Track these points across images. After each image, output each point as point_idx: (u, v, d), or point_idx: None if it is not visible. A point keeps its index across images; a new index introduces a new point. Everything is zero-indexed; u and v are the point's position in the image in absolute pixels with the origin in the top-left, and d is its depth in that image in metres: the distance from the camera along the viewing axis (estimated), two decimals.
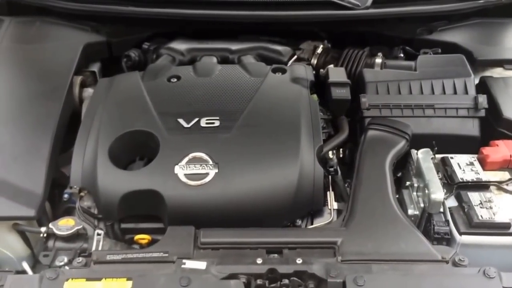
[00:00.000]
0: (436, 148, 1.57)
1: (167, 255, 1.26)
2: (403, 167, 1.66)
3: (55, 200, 1.58)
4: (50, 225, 1.36)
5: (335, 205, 1.52)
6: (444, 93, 1.75)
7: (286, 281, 1.22)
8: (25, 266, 1.38)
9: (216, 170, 1.42)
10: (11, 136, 1.57)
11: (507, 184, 1.50)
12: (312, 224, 1.50)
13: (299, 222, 1.48)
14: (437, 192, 1.41)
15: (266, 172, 1.45)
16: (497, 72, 1.93)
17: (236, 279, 1.21)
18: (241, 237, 1.33)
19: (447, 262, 1.25)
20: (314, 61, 2.01)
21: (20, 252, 1.44)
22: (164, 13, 1.97)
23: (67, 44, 1.93)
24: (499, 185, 1.50)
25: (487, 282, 1.18)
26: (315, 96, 1.74)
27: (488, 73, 1.92)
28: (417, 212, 1.49)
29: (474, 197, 1.44)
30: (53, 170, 1.53)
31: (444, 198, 1.44)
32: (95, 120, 1.59)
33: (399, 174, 1.68)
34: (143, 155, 1.54)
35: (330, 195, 1.53)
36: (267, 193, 1.42)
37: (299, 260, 1.25)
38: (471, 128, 1.69)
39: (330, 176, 1.57)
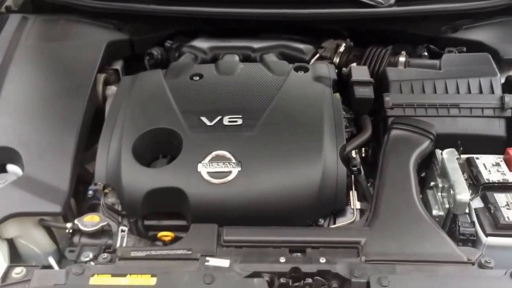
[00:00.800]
0: (461, 148, 1.55)
1: (190, 252, 1.26)
2: (427, 167, 1.64)
3: (79, 197, 1.60)
4: (76, 221, 1.37)
5: (357, 205, 1.51)
6: (470, 92, 1.72)
7: (309, 280, 1.22)
8: (51, 261, 1.41)
9: (239, 169, 1.43)
10: (37, 133, 1.59)
11: None
12: (334, 223, 1.49)
13: (321, 221, 1.48)
14: (463, 193, 1.39)
15: (289, 171, 1.45)
16: None
17: (259, 278, 1.21)
18: (264, 235, 1.33)
19: (473, 263, 1.24)
20: (336, 59, 1.99)
21: (46, 247, 1.47)
22: (186, 11, 1.97)
23: (91, 42, 1.95)
24: None
25: None
26: (337, 95, 1.73)
27: None
28: (441, 213, 1.47)
29: (501, 198, 1.42)
30: (78, 167, 1.55)
31: (470, 199, 1.42)
32: (118, 117, 1.60)
33: (423, 174, 1.66)
34: (166, 153, 1.56)
35: (353, 195, 1.52)
36: (290, 192, 1.42)
37: (322, 260, 1.24)
38: (497, 128, 1.66)
39: (353, 176, 1.56)
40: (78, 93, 1.72)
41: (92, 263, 1.25)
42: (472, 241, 1.37)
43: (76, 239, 1.37)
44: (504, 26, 2.06)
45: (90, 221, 1.36)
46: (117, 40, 2.01)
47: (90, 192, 1.54)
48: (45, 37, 1.99)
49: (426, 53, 1.98)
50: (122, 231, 1.38)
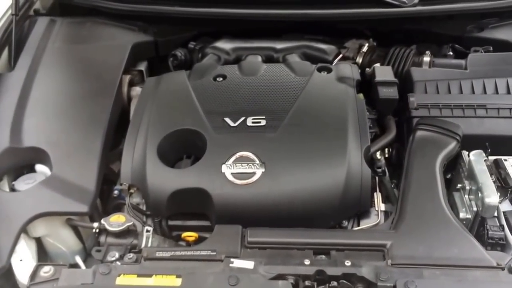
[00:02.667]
0: (489, 150, 1.52)
1: (215, 253, 1.27)
2: (453, 168, 1.62)
3: (104, 196, 1.62)
4: (102, 221, 1.39)
5: (382, 207, 1.50)
6: (497, 92, 1.69)
7: (334, 283, 1.21)
8: (78, 260, 1.43)
9: (263, 170, 1.43)
10: (65, 133, 1.62)
11: None
12: (358, 225, 1.48)
13: (345, 223, 1.47)
14: (492, 196, 1.36)
15: (313, 172, 1.44)
16: None
17: (284, 280, 1.20)
18: (288, 237, 1.33)
19: (502, 268, 1.21)
20: (359, 59, 1.98)
21: (73, 246, 1.49)
22: (209, 12, 1.98)
23: (116, 44, 1.98)
24: None
25: None
26: (361, 95, 1.72)
27: None
28: (469, 216, 1.45)
29: None
30: (104, 167, 1.57)
31: (499, 202, 1.39)
32: (143, 118, 1.62)
33: (449, 176, 1.63)
34: (190, 154, 1.57)
35: (378, 196, 1.51)
36: (314, 193, 1.42)
37: (347, 263, 1.23)
38: None
39: (377, 177, 1.55)
40: (104, 94, 1.75)
41: (118, 262, 1.27)
42: (501, 245, 1.34)
43: (102, 238, 1.39)
44: None
45: (116, 221, 1.38)
46: (142, 41, 2.04)
47: (116, 192, 1.57)
48: (72, 39, 2.02)
49: (451, 53, 1.95)
50: (147, 231, 1.40)
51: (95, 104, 1.70)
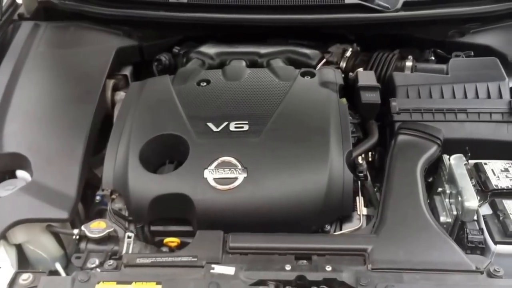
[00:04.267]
0: (469, 154, 1.54)
1: (196, 259, 1.27)
2: (434, 172, 1.63)
3: (88, 201, 1.62)
4: (83, 228, 1.38)
5: (364, 211, 1.50)
6: (477, 97, 1.71)
7: None
8: (58, 267, 1.42)
9: (245, 175, 1.43)
10: (46, 139, 1.61)
11: None
12: (341, 229, 1.48)
13: (327, 227, 1.47)
14: (471, 200, 1.38)
15: (295, 177, 1.44)
16: None
17: (265, 286, 1.20)
18: (270, 242, 1.33)
19: (481, 272, 1.22)
20: (343, 64, 1.99)
21: (53, 253, 1.48)
22: (194, 17, 1.99)
23: (101, 49, 1.97)
24: None
25: None
26: (344, 100, 1.73)
27: None
28: (449, 220, 1.46)
29: (510, 205, 1.41)
30: (86, 172, 1.56)
31: (478, 206, 1.40)
32: (126, 123, 1.61)
33: (430, 180, 1.65)
34: (172, 159, 1.56)
35: (360, 201, 1.52)
36: (296, 198, 1.42)
37: (328, 268, 1.24)
38: (506, 133, 1.64)
39: (359, 181, 1.55)
40: (87, 99, 1.73)
41: (98, 269, 1.26)
42: (481, 249, 1.36)
43: (82, 245, 1.38)
44: None
45: (97, 228, 1.37)
46: (127, 46, 2.03)
47: (98, 198, 1.56)
48: (56, 44, 2.01)
49: (433, 58, 1.97)
50: (128, 237, 1.39)
51: (77, 109, 1.69)
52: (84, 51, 1.96)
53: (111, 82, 1.87)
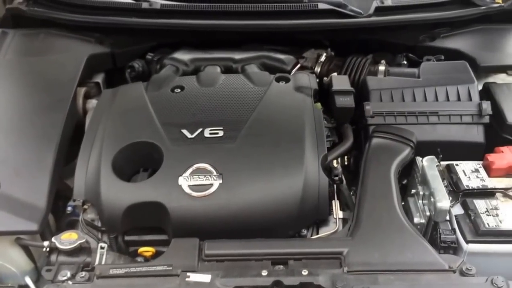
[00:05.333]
0: (441, 156, 1.56)
1: (171, 268, 1.25)
2: (408, 174, 1.65)
3: (59, 213, 1.58)
4: (53, 239, 1.35)
5: (340, 214, 1.51)
6: (448, 100, 1.74)
7: None
8: (28, 281, 1.38)
9: (220, 181, 1.42)
10: (14, 149, 1.57)
11: None
12: (317, 233, 1.48)
13: (304, 231, 1.47)
14: (443, 200, 1.40)
15: (271, 182, 1.44)
16: (500, 78, 1.92)
17: None
18: (246, 248, 1.32)
19: (454, 271, 1.24)
20: (317, 69, 2.00)
21: (23, 267, 1.44)
22: (167, 23, 1.97)
23: (71, 56, 1.93)
24: (505, 192, 1.48)
25: None
26: (319, 104, 1.74)
27: (491, 79, 1.91)
28: (423, 221, 1.48)
29: (480, 204, 1.43)
30: (56, 183, 1.53)
31: (450, 206, 1.42)
32: (98, 131, 1.59)
33: (404, 182, 1.67)
34: (147, 167, 1.54)
35: (336, 204, 1.52)
36: (272, 203, 1.42)
37: (304, 272, 1.24)
38: (476, 134, 1.68)
39: (335, 185, 1.56)
40: (57, 107, 1.70)
41: (69, 282, 1.23)
42: (453, 248, 1.38)
43: (53, 257, 1.34)
44: (481, 34, 2.09)
45: (68, 239, 1.34)
46: (98, 53, 2.01)
47: (69, 208, 1.51)
48: (25, 51, 1.98)
49: (405, 62, 2.00)
50: (101, 248, 1.36)
51: (47, 118, 1.66)
52: (54, 58, 1.93)
53: (82, 90, 1.84)
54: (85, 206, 1.47)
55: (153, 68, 2.03)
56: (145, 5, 1.96)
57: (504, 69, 1.94)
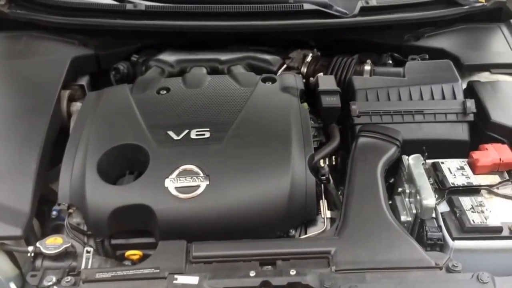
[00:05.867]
0: (426, 154, 1.57)
1: (158, 271, 1.24)
2: (395, 173, 1.66)
3: (44, 217, 1.55)
4: (38, 244, 1.33)
5: (328, 214, 1.51)
6: (433, 98, 1.75)
7: None
8: (13, 287, 1.35)
9: (207, 182, 1.41)
10: None
11: (497, 188, 1.50)
12: (306, 233, 1.48)
13: (292, 232, 1.47)
14: (429, 198, 1.41)
15: (258, 183, 1.44)
16: (484, 77, 1.94)
17: None
18: (234, 249, 1.32)
19: (440, 268, 1.25)
20: (303, 69, 2.01)
21: (7, 273, 1.40)
22: (152, 25, 1.96)
23: (55, 58, 1.92)
24: (489, 189, 1.49)
25: (481, 287, 1.17)
26: (305, 104, 1.74)
27: (475, 77, 1.93)
28: (409, 219, 1.49)
29: (466, 201, 1.44)
30: (41, 187, 1.51)
31: (436, 204, 1.43)
32: (83, 134, 1.57)
33: (392, 180, 1.68)
34: (133, 169, 1.53)
35: (323, 204, 1.52)
36: (259, 204, 1.41)
37: (292, 272, 1.23)
38: (461, 132, 1.69)
39: (322, 185, 1.56)
40: (41, 110, 1.68)
41: (55, 287, 1.21)
42: (440, 245, 1.38)
43: (38, 262, 1.32)
44: (464, 33, 2.12)
45: (53, 244, 1.32)
46: (82, 55, 1.99)
47: (54, 213, 1.49)
48: (7, 54, 1.95)
49: (390, 61, 2.01)
50: (87, 252, 1.34)
51: (30, 122, 1.63)
52: (37, 61, 1.91)
53: (66, 93, 1.82)
54: (70, 210, 1.45)
55: (138, 70, 2.02)
56: (129, 6, 1.95)
57: (487, 67, 1.95)
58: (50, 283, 1.22)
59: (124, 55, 2.07)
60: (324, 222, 1.49)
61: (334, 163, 1.68)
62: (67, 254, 1.34)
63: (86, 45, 2.03)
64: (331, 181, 1.59)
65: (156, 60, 1.99)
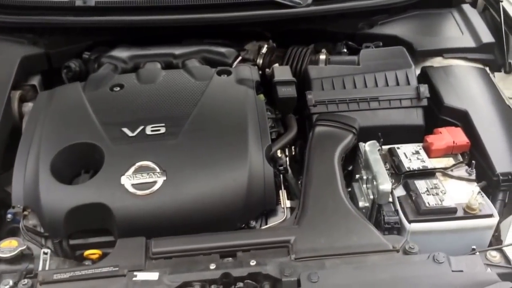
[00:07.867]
0: (382, 140, 1.60)
1: (117, 269, 1.22)
2: (354, 160, 1.69)
3: (0, 221, 1.51)
4: None
5: (288, 203, 1.52)
6: (387, 85, 1.78)
7: (240, 284, 1.21)
8: None
9: (164, 178, 1.40)
10: None
11: (451, 170, 1.55)
12: (266, 224, 1.49)
13: (253, 223, 1.47)
14: (385, 183, 1.44)
15: (215, 176, 1.43)
16: (437, 62, 1.98)
17: (190, 287, 1.18)
18: (194, 243, 1.31)
19: (397, 251, 1.27)
20: (259, 61, 2.00)
21: None
22: (103, 21, 1.92)
23: (3, 58, 1.86)
24: (444, 172, 1.54)
25: (437, 267, 1.21)
26: (261, 96, 1.74)
27: (428, 63, 1.97)
28: (367, 204, 1.52)
29: (421, 184, 1.47)
30: None
31: (393, 188, 1.47)
32: (35, 135, 1.53)
33: (350, 168, 1.70)
34: (88, 168, 1.50)
35: (283, 194, 1.53)
36: (218, 197, 1.41)
37: (252, 262, 1.24)
38: (415, 117, 1.73)
39: (281, 175, 1.57)
40: None
41: None
42: (397, 229, 1.42)
43: None
44: (417, 20, 2.15)
45: (8, 247, 1.29)
46: (32, 54, 1.93)
47: (9, 216, 1.44)
48: None
49: (345, 50, 2.03)
50: (44, 253, 1.31)
51: None
52: None
53: (17, 93, 1.76)
54: (26, 212, 1.41)
55: (90, 68, 1.97)
56: (79, 2, 1.90)
57: (440, 52, 1.99)
58: (7, 286, 1.20)
59: (76, 53, 2.01)
60: (284, 212, 1.50)
61: (293, 153, 1.69)
62: (24, 256, 1.31)
63: (35, 44, 1.97)
64: (290, 171, 1.60)
65: (109, 56, 1.95)
